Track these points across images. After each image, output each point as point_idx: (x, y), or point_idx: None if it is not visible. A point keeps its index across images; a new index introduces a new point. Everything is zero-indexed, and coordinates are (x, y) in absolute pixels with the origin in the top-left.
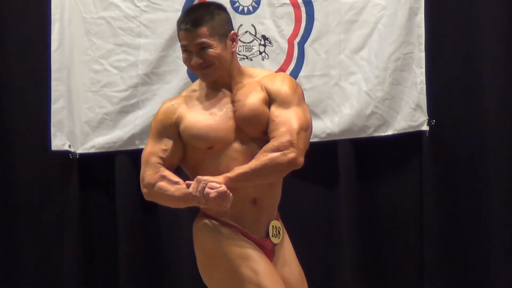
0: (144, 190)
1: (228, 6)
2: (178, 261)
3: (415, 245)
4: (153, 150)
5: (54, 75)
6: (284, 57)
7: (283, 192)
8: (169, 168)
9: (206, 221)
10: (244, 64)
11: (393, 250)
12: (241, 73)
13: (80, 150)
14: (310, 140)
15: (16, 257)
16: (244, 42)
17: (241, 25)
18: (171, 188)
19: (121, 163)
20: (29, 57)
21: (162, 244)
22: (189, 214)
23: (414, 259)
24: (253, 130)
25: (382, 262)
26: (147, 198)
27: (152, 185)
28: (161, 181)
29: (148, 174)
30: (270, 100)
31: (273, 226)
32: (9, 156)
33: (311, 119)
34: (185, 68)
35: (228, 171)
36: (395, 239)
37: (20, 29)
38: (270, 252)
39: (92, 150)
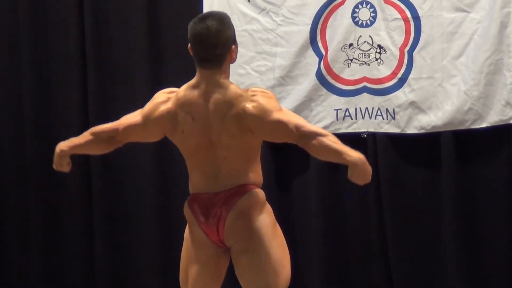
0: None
1: (349, 20)
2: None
3: (505, 225)
4: None
5: None
6: (396, 62)
7: (396, 175)
8: None
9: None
10: (362, 69)
11: (486, 228)
12: None
13: None
14: (419, 132)
15: None
16: (363, 50)
17: (360, 36)
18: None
19: None
20: (183, 62)
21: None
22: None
23: (507, 238)
24: None
25: (478, 234)
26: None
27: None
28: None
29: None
30: None
31: None
32: None
33: None
34: (313, 72)
35: None
36: (487, 220)
37: (177, 42)
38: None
39: None
